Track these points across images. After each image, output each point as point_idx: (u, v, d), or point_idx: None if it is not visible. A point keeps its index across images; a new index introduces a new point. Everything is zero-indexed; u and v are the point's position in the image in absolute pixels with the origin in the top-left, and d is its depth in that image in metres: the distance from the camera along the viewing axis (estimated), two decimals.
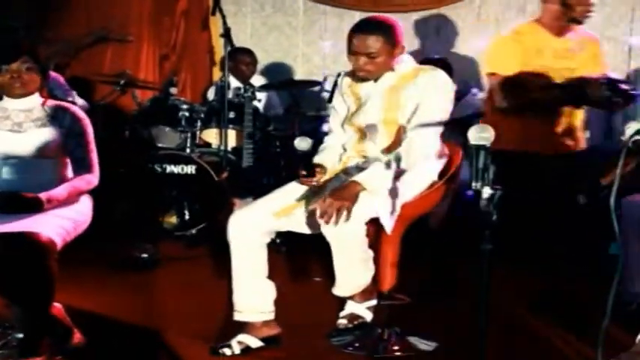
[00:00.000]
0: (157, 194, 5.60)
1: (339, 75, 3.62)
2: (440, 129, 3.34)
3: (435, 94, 3.32)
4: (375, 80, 3.41)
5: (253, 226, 3.29)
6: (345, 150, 3.57)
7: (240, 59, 6.43)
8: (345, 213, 3.02)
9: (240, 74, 6.40)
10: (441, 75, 3.39)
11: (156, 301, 4.13)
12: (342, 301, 3.63)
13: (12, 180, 3.24)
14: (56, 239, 3.01)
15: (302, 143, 3.77)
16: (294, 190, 3.45)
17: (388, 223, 3.14)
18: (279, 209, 3.34)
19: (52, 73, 5.46)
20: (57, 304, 3.24)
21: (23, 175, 3.24)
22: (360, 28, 3.32)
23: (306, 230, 3.34)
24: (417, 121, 3.28)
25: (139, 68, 7.13)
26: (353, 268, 3.27)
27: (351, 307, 3.61)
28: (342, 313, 3.62)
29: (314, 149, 3.71)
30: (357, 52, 3.30)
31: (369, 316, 3.58)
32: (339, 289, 3.38)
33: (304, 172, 3.32)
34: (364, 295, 3.53)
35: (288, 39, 7.52)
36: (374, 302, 3.56)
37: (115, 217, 5.38)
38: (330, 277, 3.36)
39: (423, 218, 3.50)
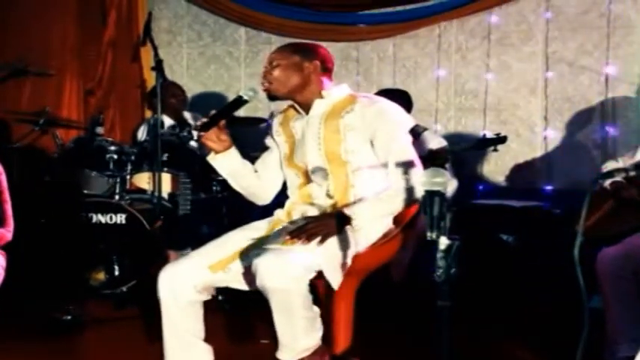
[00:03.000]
0: (82, 247, 5.54)
1: (271, 116, 3.70)
2: (409, 138, 3.47)
3: (385, 119, 3.42)
4: (307, 111, 3.50)
5: (186, 282, 3.27)
6: (287, 197, 3.61)
7: (170, 92, 6.44)
8: (316, 240, 3.09)
9: (170, 108, 6.42)
10: (382, 100, 3.52)
11: None
12: None
13: None
14: None
15: None
16: (232, 240, 3.46)
17: (334, 278, 3.16)
18: (215, 262, 3.33)
19: None
20: None
21: None
22: None
23: (244, 286, 3.35)
24: (386, 155, 3.38)
25: (61, 105, 7.13)
26: (296, 329, 3.17)
27: None
28: None
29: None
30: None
31: None
32: (283, 353, 3.27)
33: (204, 120, 3.37)
34: (306, 358, 3.46)
35: (228, 71, 7.59)
36: None
37: (33, 273, 5.26)
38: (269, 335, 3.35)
39: (382, 269, 3.54)
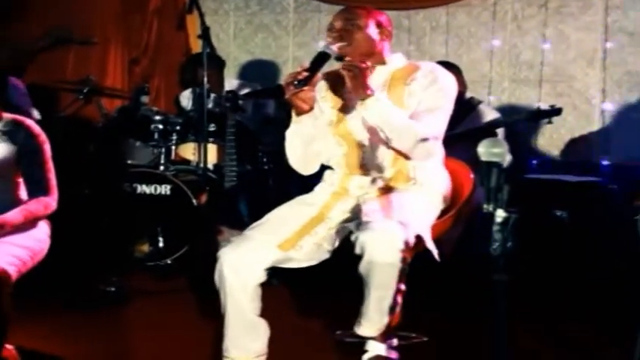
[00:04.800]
0: (127, 218, 5.58)
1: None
2: (447, 112, 3.42)
3: (435, 83, 3.41)
4: None
5: (255, 265, 3.23)
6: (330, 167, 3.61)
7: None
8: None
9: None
10: (441, 69, 3.50)
11: (123, 342, 4.10)
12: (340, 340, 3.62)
13: None
14: (10, 270, 3.00)
15: None
16: (293, 216, 3.44)
17: (434, 249, 3.17)
18: (284, 240, 3.32)
19: (12, 79, 5.46)
20: (9, 346, 3.24)
21: None
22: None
23: (311, 262, 3.35)
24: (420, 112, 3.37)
25: (105, 74, 7.13)
26: (386, 303, 3.13)
27: (375, 349, 3.42)
28: (367, 357, 3.45)
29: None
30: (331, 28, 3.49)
31: (395, 357, 3.47)
32: (366, 329, 3.24)
33: (300, 78, 3.22)
34: (384, 333, 3.40)
35: (276, 40, 7.56)
36: (395, 341, 3.49)
37: (78, 245, 5.28)
38: (324, 313, 3.34)
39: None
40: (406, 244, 2.99)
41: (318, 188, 3.66)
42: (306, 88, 3.23)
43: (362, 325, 3.22)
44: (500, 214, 2.28)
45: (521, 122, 5.92)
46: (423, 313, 3.62)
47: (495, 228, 2.29)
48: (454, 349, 3.95)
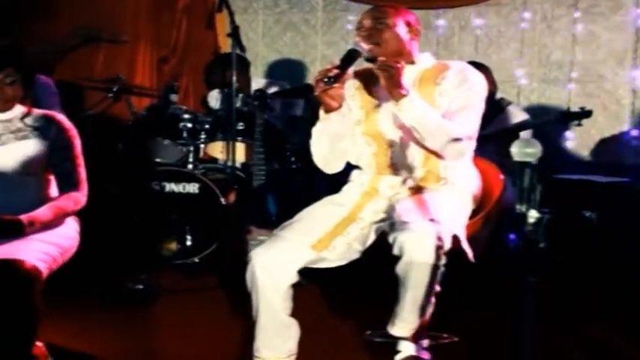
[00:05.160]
0: (155, 216, 5.60)
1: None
2: (479, 111, 3.41)
3: (466, 82, 3.40)
4: None
5: (288, 266, 3.23)
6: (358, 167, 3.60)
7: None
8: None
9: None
10: (471, 69, 3.48)
11: (151, 340, 4.10)
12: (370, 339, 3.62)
13: None
14: (41, 267, 3.00)
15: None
16: (323, 216, 3.43)
17: (469, 249, 3.16)
18: (316, 241, 3.31)
19: (42, 78, 5.48)
20: (39, 343, 3.25)
21: (1, 194, 3.25)
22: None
23: (342, 262, 3.34)
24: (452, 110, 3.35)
25: (134, 72, 7.16)
26: (420, 304, 3.10)
27: (408, 349, 3.42)
28: (399, 357, 3.45)
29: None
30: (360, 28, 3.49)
31: (427, 357, 3.45)
32: (399, 329, 3.21)
33: (331, 75, 3.19)
34: (417, 333, 3.36)
35: (305, 39, 7.57)
36: (427, 341, 3.47)
37: (106, 243, 5.29)
38: (354, 312, 3.33)
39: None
40: (443, 244, 2.98)
41: (346, 188, 3.64)
42: (335, 85, 3.22)
43: (395, 325, 3.19)
44: (532, 215, 2.27)
45: (551, 124, 5.89)
46: (453, 312, 3.60)
47: (528, 229, 2.27)
48: (485, 349, 3.93)
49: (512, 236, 2.22)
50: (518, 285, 2.40)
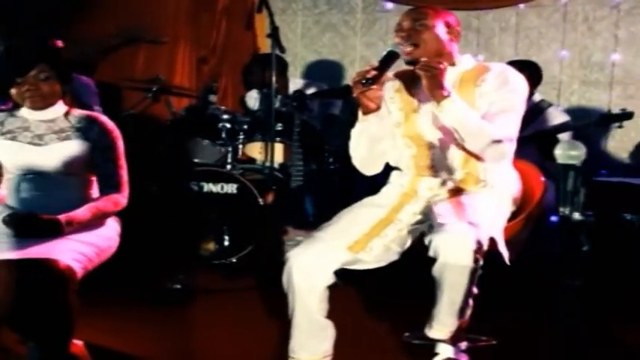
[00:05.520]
0: (193, 216, 5.60)
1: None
2: (520, 113, 3.36)
3: (506, 84, 3.37)
4: None
5: (325, 268, 3.22)
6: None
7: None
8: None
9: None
10: (511, 70, 3.46)
11: (189, 340, 4.11)
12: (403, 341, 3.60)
13: (30, 198, 3.28)
14: (76, 267, 3.01)
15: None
16: (361, 217, 3.41)
17: (505, 252, 3.13)
18: (353, 242, 3.30)
19: (83, 78, 5.50)
20: (77, 342, 3.26)
21: (42, 193, 3.27)
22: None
23: (380, 264, 3.32)
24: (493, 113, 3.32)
25: (174, 73, 7.18)
26: (458, 306, 3.10)
27: (446, 351, 3.40)
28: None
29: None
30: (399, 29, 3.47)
31: None
32: (437, 332, 3.22)
33: (375, 73, 3.18)
34: (455, 336, 3.35)
35: (344, 40, 7.55)
36: (465, 344, 3.45)
37: (145, 242, 5.29)
38: (390, 314, 3.32)
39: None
40: (479, 246, 2.95)
41: (385, 189, 3.64)
42: (374, 86, 3.20)
43: (433, 327, 3.19)
44: (576, 218, 2.24)
45: (591, 126, 5.84)
46: (491, 314, 3.57)
47: (571, 232, 2.25)
48: (523, 351, 3.90)
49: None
50: (557, 287, 2.38)
